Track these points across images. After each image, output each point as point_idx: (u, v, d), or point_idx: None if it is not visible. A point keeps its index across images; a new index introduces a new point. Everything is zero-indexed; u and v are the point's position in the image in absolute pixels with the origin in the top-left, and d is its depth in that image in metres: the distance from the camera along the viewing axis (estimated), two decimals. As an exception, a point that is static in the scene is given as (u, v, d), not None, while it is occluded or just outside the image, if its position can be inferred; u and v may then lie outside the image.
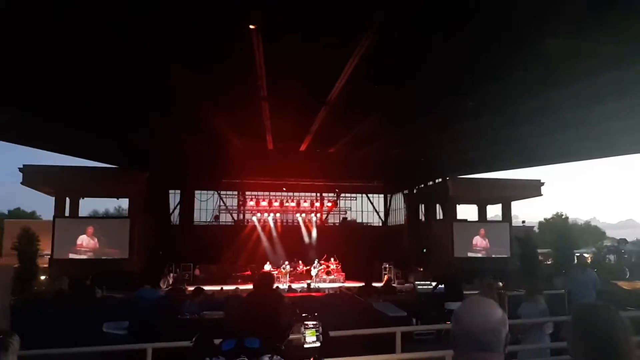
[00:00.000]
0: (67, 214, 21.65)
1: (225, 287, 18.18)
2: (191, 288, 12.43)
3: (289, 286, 20.04)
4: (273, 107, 13.54)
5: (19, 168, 20.23)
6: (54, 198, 21.47)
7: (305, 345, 2.50)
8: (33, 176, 20.52)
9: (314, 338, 2.48)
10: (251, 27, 8.66)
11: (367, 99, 13.26)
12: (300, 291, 18.60)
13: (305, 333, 2.48)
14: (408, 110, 14.08)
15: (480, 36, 9.18)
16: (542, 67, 10.28)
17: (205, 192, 28.14)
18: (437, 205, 25.36)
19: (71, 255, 20.18)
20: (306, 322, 2.48)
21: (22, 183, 20.20)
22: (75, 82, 11.77)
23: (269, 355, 1.88)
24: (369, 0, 8.17)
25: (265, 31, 8.94)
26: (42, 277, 20.67)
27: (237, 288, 15.84)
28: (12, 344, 1.78)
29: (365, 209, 31.31)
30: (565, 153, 19.43)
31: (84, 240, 20.50)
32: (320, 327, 2.52)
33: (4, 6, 7.89)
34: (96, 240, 20.56)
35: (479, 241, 23.28)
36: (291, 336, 2.34)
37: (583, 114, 13.58)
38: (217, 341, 1.99)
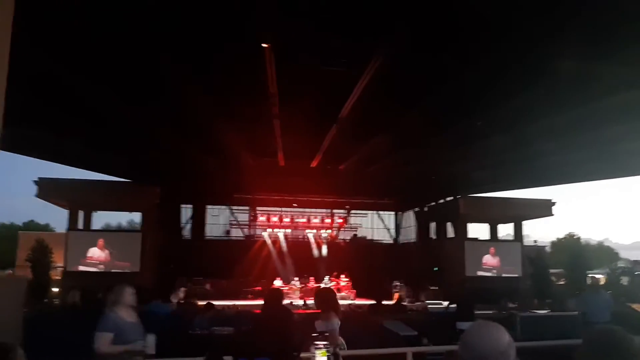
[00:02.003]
0: (80, 226, 21.80)
1: (238, 303, 18.20)
2: (202, 303, 12.44)
3: (290, 302, 19.84)
4: (284, 124, 13.66)
5: (33, 181, 20.46)
6: (67, 211, 21.66)
7: (316, 365, 2.51)
8: (47, 189, 20.71)
9: (325, 358, 2.49)
10: (264, 45, 8.79)
11: (378, 117, 13.34)
12: (310, 308, 18.45)
13: (316, 353, 2.49)
14: (419, 128, 14.13)
15: (492, 57, 9.24)
16: (555, 88, 10.30)
17: (216, 207, 28.24)
18: (448, 224, 25.22)
19: (81, 267, 20.29)
20: (316, 342, 2.50)
21: (36, 196, 20.41)
22: (89, 98, 11.98)
23: (280, 375, 1.88)
24: (381, 22, 8.28)
25: (278, 50, 9.07)
26: (55, 289, 20.81)
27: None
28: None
29: (375, 226, 31.17)
30: (578, 173, 19.33)
31: (94, 252, 20.62)
32: (331, 348, 2.53)
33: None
34: (107, 252, 20.67)
35: (489, 260, 23.07)
36: (302, 354, 2.36)
37: (595, 135, 13.55)
38: (227, 358, 2.02)
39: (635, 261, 34.27)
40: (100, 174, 20.97)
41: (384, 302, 17.42)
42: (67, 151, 17.21)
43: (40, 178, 20.66)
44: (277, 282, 22.51)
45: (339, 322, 6.10)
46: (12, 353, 1.74)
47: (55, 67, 10.07)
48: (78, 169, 20.49)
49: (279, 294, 8.08)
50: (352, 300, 21.85)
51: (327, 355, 2.47)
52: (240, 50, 9.69)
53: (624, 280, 29.28)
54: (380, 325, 11.75)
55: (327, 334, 2.54)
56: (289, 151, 17.04)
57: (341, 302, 20.74)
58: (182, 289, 21.05)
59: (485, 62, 9.47)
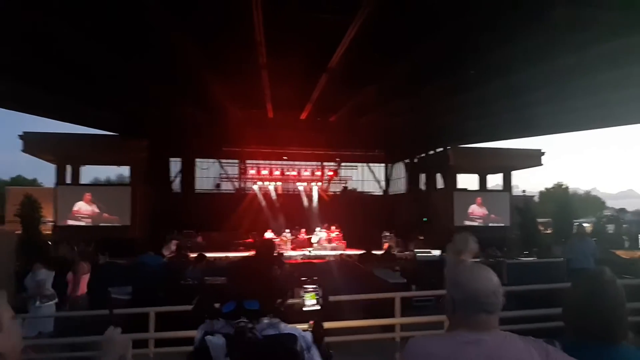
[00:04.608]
0: (68, 181, 21.67)
1: (231, 255, 18.41)
2: (193, 255, 12.53)
3: (281, 253, 20.18)
4: (273, 74, 13.43)
5: (19, 135, 20.12)
6: (55, 165, 21.46)
7: (305, 309, 2.53)
8: (33, 143, 20.42)
9: (314, 301, 2.51)
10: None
11: (368, 66, 13.15)
12: (301, 258, 18.75)
13: (304, 296, 2.51)
14: (409, 78, 13.97)
15: (483, 4, 9.04)
16: (545, 35, 10.16)
17: (206, 160, 28.13)
18: (438, 175, 25.35)
19: (70, 222, 20.28)
20: (305, 286, 2.51)
21: (22, 150, 20.13)
22: (75, 51, 11.67)
23: (269, 316, 1.90)
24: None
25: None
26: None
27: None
28: None
29: (366, 178, 31.34)
30: (567, 122, 19.35)
31: (81, 206, 20.56)
32: (320, 291, 2.55)
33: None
34: (94, 206, 20.62)
35: (475, 209, 23.33)
36: (291, 301, 2.37)
37: (585, 84, 13.49)
38: (217, 304, 2.02)
39: (621, 209, 34.87)
40: (87, 128, 20.68)
41: (374, 252, 17.68)
42: (53, 105, 16.88)
43: (25, 132, 20.33)
44: (269, 234, 22.72)
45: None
46: None
47: (39, 20, 9.74)
48: (64, 122, 20.17)
49: (270, 243, 8.16)
50: (342, 250, 22.17)
51: (316, 299, 2.48)
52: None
53: (610, 228, 29.87)
54: (370, 274, 11.95)
55: (316, 278, 2.55)
56: (277, 103, 16.84)
57: (332, 252, 21.36)
58: (174, 241, 21.19)
59: (476, 9, 9.28)
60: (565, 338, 1.87)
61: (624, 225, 30.08)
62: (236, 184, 28.77)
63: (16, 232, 16.71)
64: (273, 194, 26.69)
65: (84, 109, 17.46)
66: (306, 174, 26.65)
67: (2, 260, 8.93)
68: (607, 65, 11.78)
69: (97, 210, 20.63)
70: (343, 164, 29.32)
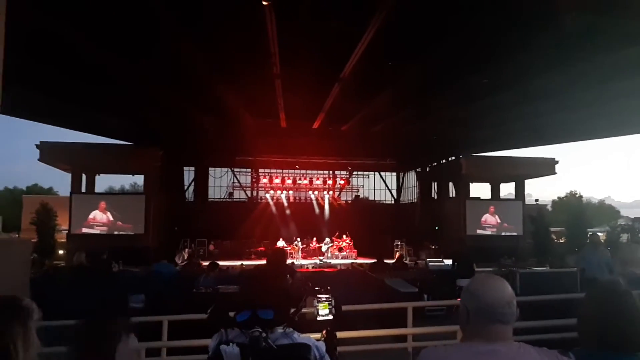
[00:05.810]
0: (83, 190, 21.89)
1: (246, 263, 18.45)
2: (206, 263, 12.59)
3: (292, 262, 20.22)
4: (286, 84, 13.50)
5: (35, 145, 20.43)
6: (70, 174, 21.71)
7: (318, 318, 2.54)
8: (49, 153, 20.72)
9: (327, 311, 2.52)
10: (264, 3, 8.60)
11: (381, 75, 13.17)
12: (312, 267, 18.73)
13: (318, 306, 2.52)
14: (421, 87, 13.97)
15: (497, 12, 9.04)
16: (560, 43, 10.12)
17: (219, 169, 28.29)
18: (450, 183, 25.25)
19: (85, 230, 20.46)
20: (319, 295, 2.52)
21: (39, 159, 20.42)
22: (90, 60, 11.83)
23: (282, 326, 1.92)
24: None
25: (279, 7, 8.89)
26: (61, 252, 21.05)
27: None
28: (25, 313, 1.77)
29: (377, 187, 31.32)
30: (581, 131, 19.19)
31: (96, 215, 20.75)
32: (333, 301, 2.56)
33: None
34: (109, 214, 20.79)
35: (488, 218, 23.16)
36: (304, 310, 2.39)
37: (599, 92, 13.40)
38: (231, 313, 2.04)
39: (636, 218, 34.37)
40: (102, 137, 20.91)
41: (386, 261, 17.60)
42: (68, 114, 17.10)
43: (42, 142, 20.63)
44: (280, 243, 22.76)
45: None
46: (24, 303, 1.77)
47: (55, 29, 9.91)
48: (80, 132, 20.41)
49: (283, 252, 8.18)
50: (353, 259, 22.13)
51: (329, 308, 2.50)
52: (240, 8, 9.51)
53: (624, 237, 29.46)
54: (382, 283, 11.90)
55: (329, 288, 2.57)
56: (290, 112, 16.92)
57: (343, 261, 21.32)
58: (186, 250, 21.30)
59: (488, 18, 9.28)
60: (579, 349, 1.87)
61: (639, 235, 29.65)
62: (248, 192, 28.89)
63: (32, 239, 16.90)
64: (285, 203, 26.75)
65: (98, 118, 17.67)
66: (318, 182, 26.69)
67: (18, 268, 9.02)
68: (621, 74, 11.71)
69: (111, 218, 20.82)
70: (355, 172, 29.32)
